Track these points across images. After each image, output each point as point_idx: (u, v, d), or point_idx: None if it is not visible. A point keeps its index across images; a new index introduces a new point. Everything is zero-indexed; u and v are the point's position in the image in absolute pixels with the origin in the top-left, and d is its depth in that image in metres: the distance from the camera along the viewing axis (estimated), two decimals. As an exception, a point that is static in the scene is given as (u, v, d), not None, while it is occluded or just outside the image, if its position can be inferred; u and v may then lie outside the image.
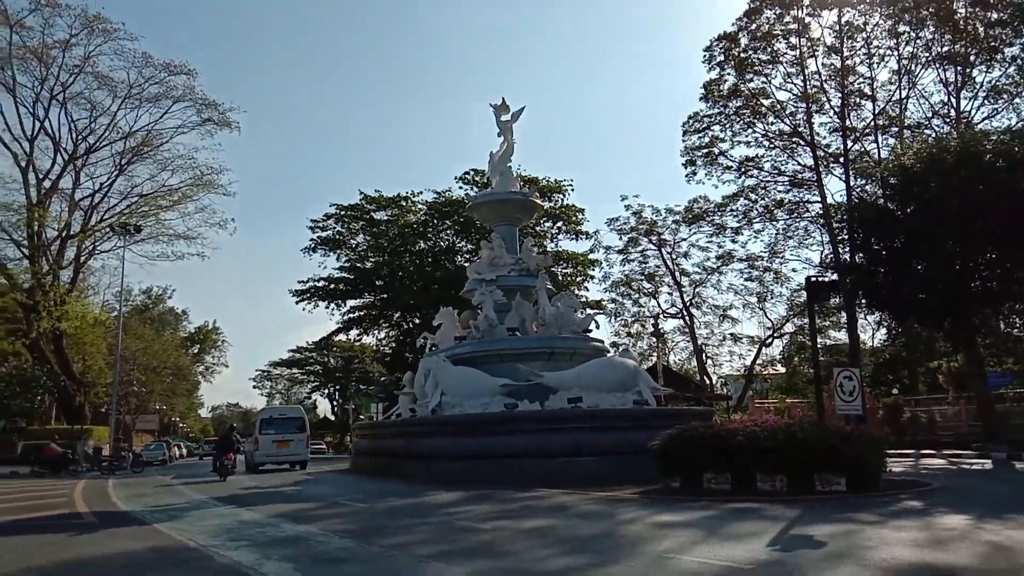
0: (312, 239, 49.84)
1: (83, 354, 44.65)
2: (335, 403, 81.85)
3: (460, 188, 48.43)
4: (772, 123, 39.16)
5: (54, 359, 41.13)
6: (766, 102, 38.84)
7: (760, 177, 40.47)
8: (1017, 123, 34.01)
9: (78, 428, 40.15)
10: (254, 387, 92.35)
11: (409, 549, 8.82)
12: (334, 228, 50.20)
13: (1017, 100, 35.53)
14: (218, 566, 8.10)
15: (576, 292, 43.31)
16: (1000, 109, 35.77)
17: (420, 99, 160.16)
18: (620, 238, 46.44)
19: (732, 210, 42.19)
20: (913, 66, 36.79)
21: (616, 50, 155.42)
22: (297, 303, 50.95)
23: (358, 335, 56.02)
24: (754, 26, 37.96)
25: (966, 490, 14.03)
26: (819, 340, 36.71)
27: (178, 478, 26.47)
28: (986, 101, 36.00)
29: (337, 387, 78.93)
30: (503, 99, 29.06)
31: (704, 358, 47.81)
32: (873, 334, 43.74)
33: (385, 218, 50.11)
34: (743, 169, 40.17)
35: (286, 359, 79.41)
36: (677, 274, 46.24)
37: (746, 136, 39.60)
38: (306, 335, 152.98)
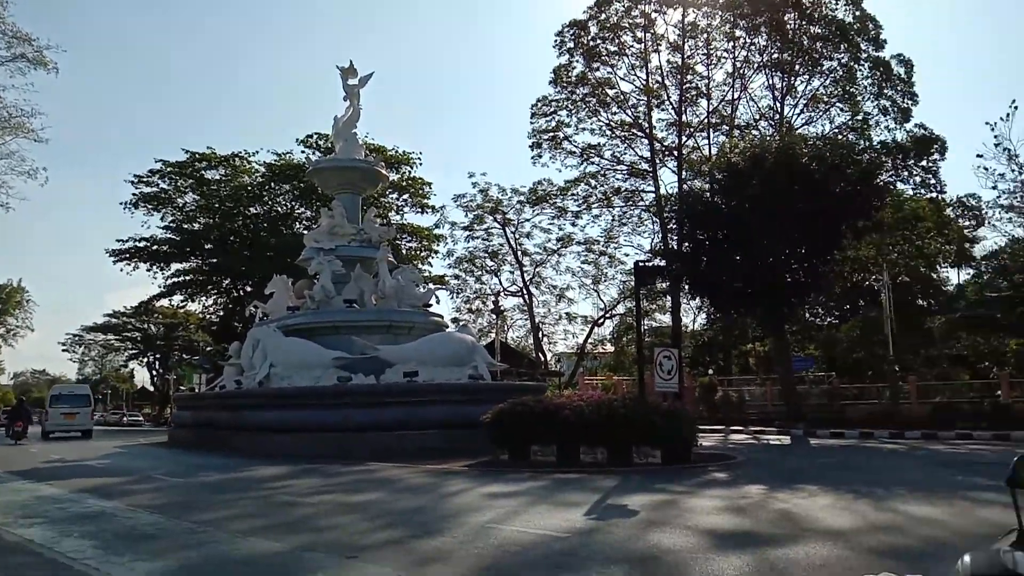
0: (134, 194, 46.10)
1: None
2: (155, 373, 76.84)
3: (302, 152, 46.48)
4: (615, 113, 40.54)
5: None
6: (611, 92, 40.11)
7: (601, 165, 41.84)
8: (830, 130, 37.28)
9: None
10: (64, 351, 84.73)
11: (225, 525, 8.41)
12: (159, 185, 46.68)
13: (831, 110, 38.90)
14: (4, 544, 7.35)
15: (420, 267, 43.00)
16: (817, 117, 39.02)
17: (263, 52, 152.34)
18: (466, 215, 46.58)
19: (573, 194, 43.39)
20: (746, 70, 39.27)
21: (473, 23, 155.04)
22: (115, 263, 47.05)
23: (183, 301, 52.53)
24: (603, 16, 39.01)
25: (766, 463, 15.29)
26: (645, 322, 38.76)
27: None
28: (805, 108, 39.14)
29: (158, 356, 74.05)
30: (351, 62, 28.23)
31: (540, 336, 49.11)
32: (695, 318, 46.71)
33: (217, 177, 47.17)
34: (585, 156, 41.36)
35: (101, 324, 73.49)
36: (519, 253, 47.10)
37: (591, 124, 40.73)
38: (126, 298, 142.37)
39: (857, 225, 26.24)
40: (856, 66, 37.41)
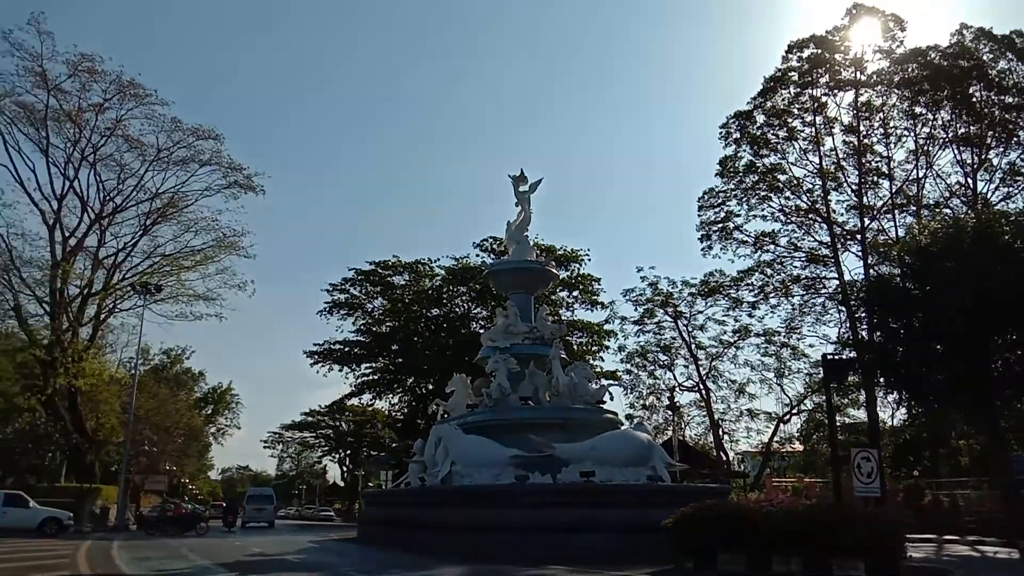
0: (328, 302, 50.21)
1: (97, 412, 44.60)
2: (345, 468, 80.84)
3: (477, 255, 48.86)
4: (788, 198, 39.42)
5: (68, 416, 41.13)
6: (782, 177, 39.18)
7: (776, 252, 40.46)
8: (1033, 204, 34.13)
9: (87, 487, 39.82)
10: (265, 447, 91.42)
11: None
12: (350, 291, 50.59)
13: (1034, 182, 35.71)
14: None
15: (591, 362, 42.98)
16: (1017, 191, 35.94)
17: (440, 165, 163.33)
18: (635, 309, 46.32)
19: (748, 284, 42.04)
20: (930, 147, 37.15)
21: (633, 121, 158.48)
22: (312, 365, 51.03)
23: (371, 399, 55.77)
24: (769, 104, 38.62)
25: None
26: (838, 418, 36.02)
27: (182, 540, 26.12)
28: (1002, 183, 36.20)
29: (348, 452, 78.07)
30: (521, 170, 29.60)
31: (720, 433, 46.96)
32: (893, 413, 42.92)
33: (402, 283, 50.48)
34: (759, 244, 40.22)
35: (298, 422, 78.89)
36: (693, 347, 45.88)
37: (762, 210, 39.81)
38: (319, 398, 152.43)
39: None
40: (1059, 134, 34.41)
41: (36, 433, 43.91)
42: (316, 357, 50.54)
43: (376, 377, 51.28)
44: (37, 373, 39.30)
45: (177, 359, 73.27)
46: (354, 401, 58.49)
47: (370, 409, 64.37)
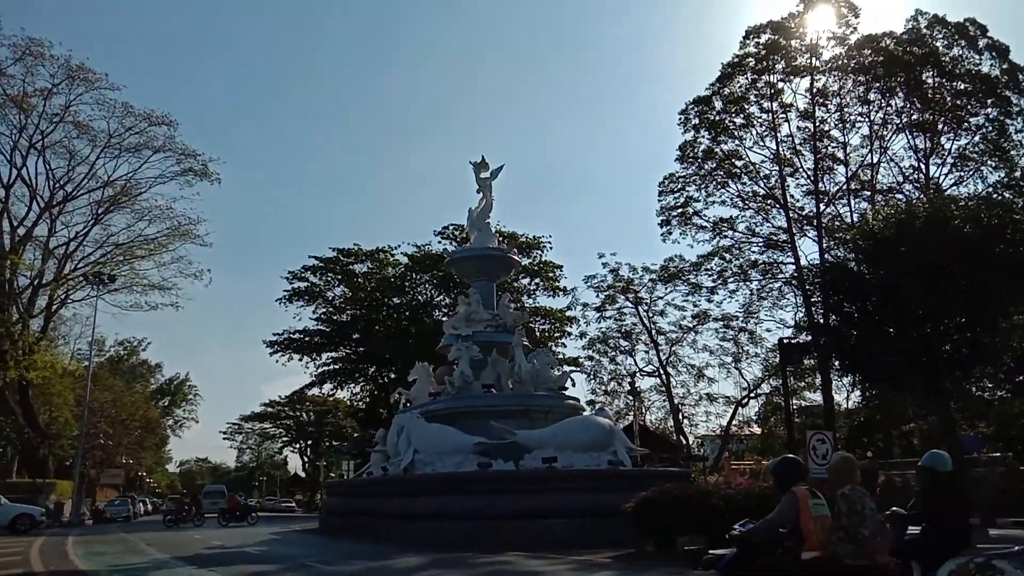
0: (287, 290, 49.53)
1: (49, 405, 43.57)
2: (306, 459, 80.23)
3: (439, 243, 48.61)
4: (746, 184, 39.86)
5: (19, 410, 40.10)
6: (740, 163, 39.56)
7: (735, 238, 40.89)
8: (983, 189, 34.97)
9: (40, 482, 38.92)
10: (224, 439, 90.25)
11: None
12: (311, 280, 49.95)
13: (983, 168, 36.60)
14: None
15: (553, 349, 43.13)
16: (967, 176, 36.78)
17: (400, 150, 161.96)
18: (597, 295, 46.55)
19: (707, 269, 42.44)
20: (884, 132, 37.81)
21: (598, 107, 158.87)
22: (272, 355, 50.37)
23: (332, 389, 55.27)
24: (727, 91, 38.94)
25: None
26: (794, 401, 36.74)
27: (139, 534, 25.69)
28: (953, 168, 37.02)
29: (309, 443, 77.49)
30: (483, 157, 29.47)
31: (680, 418, 47.54)
32: (848, 396, 43.90)
33: (364, 271, 50.00)
34: (718, 230, 40.60)
35: (258, 413, 78.02)
36: (653, 332, 46.30)
37: (721, 196, 40.18)
38: (279, 388, 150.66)
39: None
40: (1008, 120, 35.25)
41: (-15, 428, 42.70)
42: (276, 347, 49.89)
43: (337, 367, 50.80)
44: (-14, 367, 38.19)
45: (133, 351, 71.94)
46: (315, 391, 58.00)
47: (331, 399, 63.86)
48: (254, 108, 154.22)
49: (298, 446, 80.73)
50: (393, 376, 46.03)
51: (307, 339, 49.49)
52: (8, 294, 38.38)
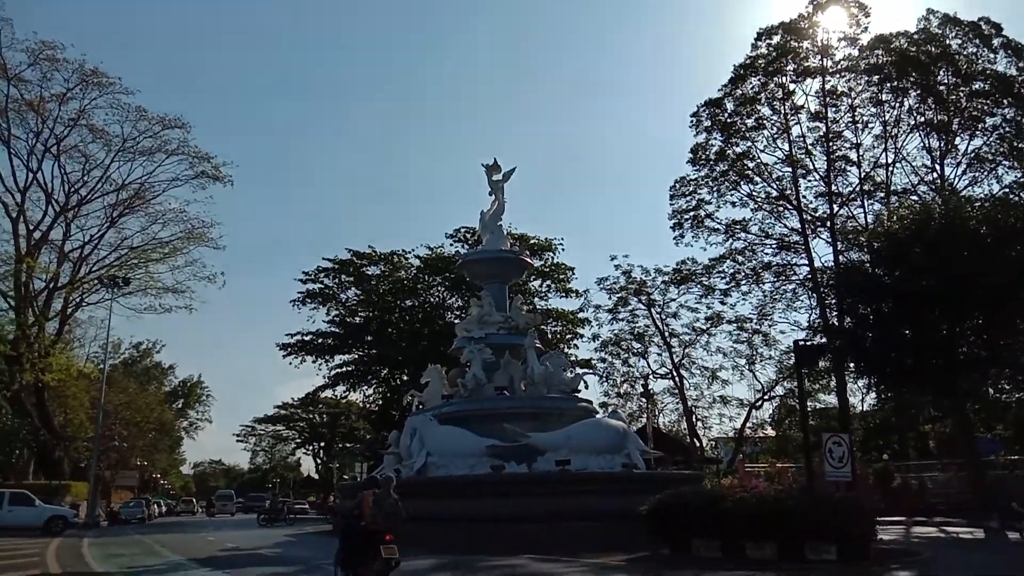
0: (301, 292, 49.69)
1: (65, 408, 43.86)
2: (319, 461, 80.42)
3: (451, 245, 48.66)
4: (758, 185, 39.68)
5: (35, 412, 40.39)
6: (752, 164, 39.38)
7: (747, 240, 40.72)
8: (998, 190, 34.69)
9: (56, 484, 39.17)
10: (238, 441, 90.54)
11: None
12: (324, 282, 50.10)
13: (998, 168, 36.29)
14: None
15: (565, 351, 43.03)
16: (982, 176, 36.47)
17: (416, 154, 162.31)
18: (609, 297, 46.47)
19: (720, 272, 42.29)
20: (897, 132, 37.56)
21: (607, 108, 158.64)
22: (284, 356, 50.48)
23: (345, 391, 55.33)
24: (739, 92, 38.79)
25: (957, 562, 13.83)
26: (809, 404, 36.45)
27: (155, 535, 25.85)
28: (968, 168, 36.71)
29: (322, 445, 77.65)
30: (495, 159, 29.43)
31: (694, 420, 47.36)
32: (863, 398, 43.59)
33: (377, 273, 50.11)
34: (731, 232, 40.44)
35: (271, 415, 78.18)
36: (666, 334, 46.15)
37: (732, 197, 40.01)
38: (292, 391, 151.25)
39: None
40: (1024, 121, 34.95)
41: (2, 430, 43.06)
42: (289, 349, 50.00)
43: (350, 369, 50.89)
44: (2, 369, 38.52)
45: (147, 353, 72.28)
46: (328, 393, 58.06)
47: (344, 401, 63.95)
48: (268, 110, 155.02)
49: (311, 448, 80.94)
50: (406, 378, 46.05)
51: (320, 341, 49.61)
52: (24, 297, 38.67)
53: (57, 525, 27.49)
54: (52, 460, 41.98)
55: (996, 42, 36.46)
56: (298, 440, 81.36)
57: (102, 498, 44.67)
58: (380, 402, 52.67)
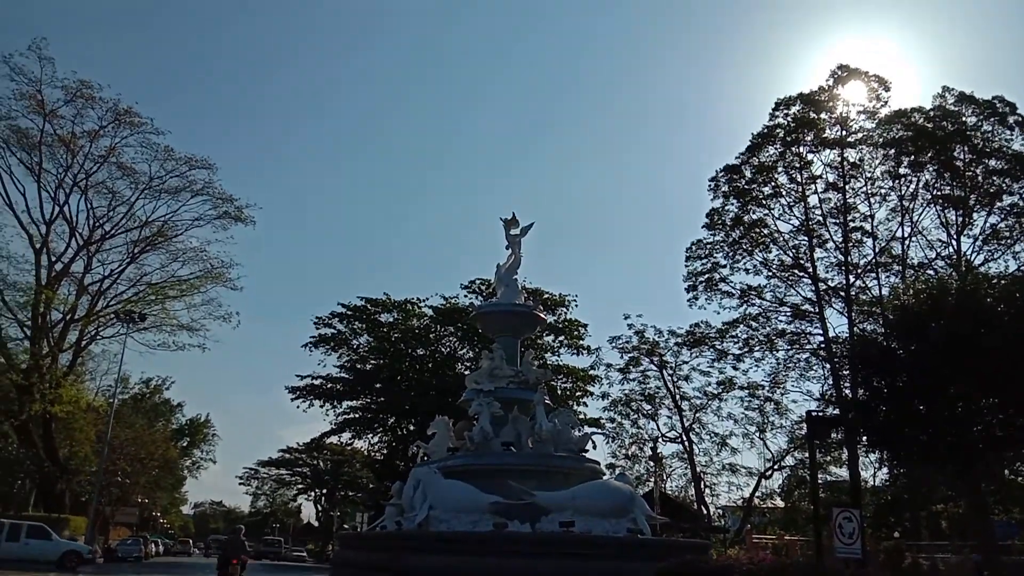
0: (313, 336, 49.86)
1: (71, 440, 43.83)
2: (320, 508, 79.49)
3: (465, 296, 48.85)
4: (773, 253, 39.74)
5: (41, 443, 40.37)
6: (766, 231, 39.53)
7: (761, 306, 40.62)
8: (1015, 267, 34.59)
9: (55, 516, 38.92)
10: (240, 484, 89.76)
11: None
12: (337, 327, 50.29)
13: (1016, 245, 36.23)
14: None
15: (575, 408, 42.70)
16: (999, 253, 36.42)
17: (431, 205, 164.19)
18: (621, 356, 46.19)
19: (733, 336, 42.05)
20: (913, 206, 37.69)
21: (625, 170, 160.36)
22: (293, 400, 50.42)
23: (351, 438, 55.02)
24: (756, 160, 39.18)
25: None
26: (820, 476, 35.86)
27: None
28: (985, 244, 36.69)
29: (324, 492, 76.86)
30: (513, 214, 29.65)
31: (702, 487, 46.58)
32: (875, 473, 42.78)
33: (390, 321, 50.27)
34: (745, 297, 40.39)
35: (275, 459, 77.72)
36: (677, 397, 45.70)
37: (748, 264, 40.07)
38: (298, 434, 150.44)
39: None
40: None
41: (6, 459, 43.01)
42: (298, 392, 50.01)
43: (357, 415, 50.71)
44: (13, 397, 38.69)
45: (156, 389, 72.39)
46: (333, 439, 57.74)
47: (349, 448, 63.53)
48: (287, 152, 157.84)
49: (313, 494, 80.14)
50: (412, 428, 45.77)
51: (329, 386, 49.60)
52: (40, 328, 39.04)
53: (71, 561, 27.15)
54: (54, 492, 41.77)
55: (1011, 120, 36.79)
56: (300, 486, 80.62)
57: (100, 534, 44.26)
58: (385, 451, 52.34)
